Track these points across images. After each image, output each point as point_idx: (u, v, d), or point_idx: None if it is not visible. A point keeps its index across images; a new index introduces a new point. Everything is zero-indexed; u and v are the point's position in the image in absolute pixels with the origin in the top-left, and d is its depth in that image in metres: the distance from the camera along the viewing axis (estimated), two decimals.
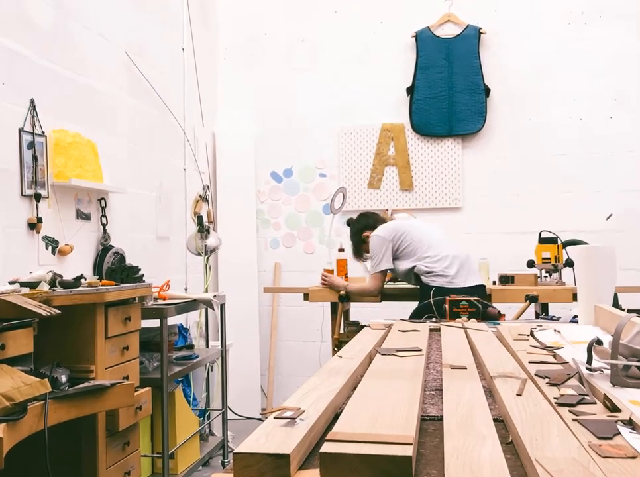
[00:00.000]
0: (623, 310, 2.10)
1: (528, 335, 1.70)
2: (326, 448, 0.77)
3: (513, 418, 0.91)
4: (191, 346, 3.64)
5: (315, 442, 0.87)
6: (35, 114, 2.68)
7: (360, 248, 3.46)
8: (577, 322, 2.24)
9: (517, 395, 1.05)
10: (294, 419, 0.90)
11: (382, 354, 1.50)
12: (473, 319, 2.28)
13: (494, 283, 3.36)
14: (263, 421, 0.94)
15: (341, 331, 3.42)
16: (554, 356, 1.39)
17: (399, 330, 2.03)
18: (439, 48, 4.43)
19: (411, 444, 0.77)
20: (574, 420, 0.91)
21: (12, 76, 2.59)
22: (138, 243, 3.46)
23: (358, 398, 1.07)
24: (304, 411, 0.94)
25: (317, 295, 3.46)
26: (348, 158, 4.59)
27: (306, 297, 3.48)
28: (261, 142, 4.70)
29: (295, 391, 1.13)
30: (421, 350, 1.54)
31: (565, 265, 3.25)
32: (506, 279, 3.30)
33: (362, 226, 3.45)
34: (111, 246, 3.14)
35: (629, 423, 0.89)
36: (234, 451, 0.77)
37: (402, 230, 3.27)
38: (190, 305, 3.16)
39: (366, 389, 1.13)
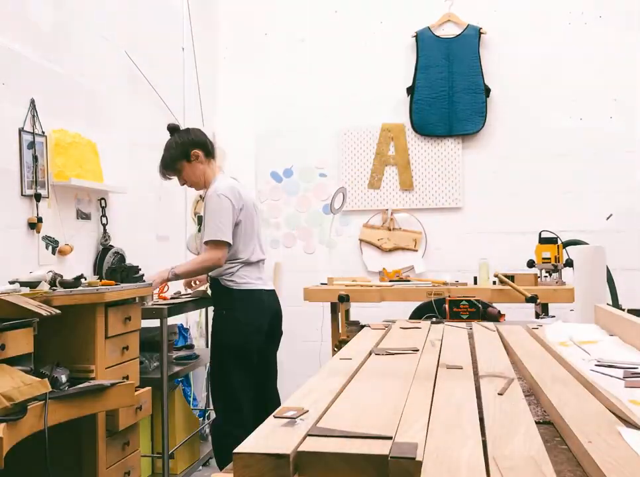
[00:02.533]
0: (623, 310, 2.10)
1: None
2: (305, 446, 0.78)
3: (486, 417, 0.92)
4: (191, 346, 3.64)
5: None
6: (35, 114, 2.68)
7: (174, 167, 2.91)
8: None
9: (499, 394, 1.06)
10: (294, 418, 0.90)
11: (376, 354, 1.50)
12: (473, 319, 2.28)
13: (494, 283, 3.36)
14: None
15: (339, 331, 3.41)
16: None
17: (400, 329, 2.02)
18: (439, 48, 4.43)
19: (390, 438, 0.78)
20: None
21: (12, 76, 2.58)
22: (138, 243, 3.46)
23: (345, 397, 1.07)
24: (307, 411, 0.94)
25: (316, 295, 3.46)
26: (348, 158, 4.59)
27: (306, 296, 3.48)
28: (261, 141, 4.70)
29: (295, 391, 1.13)
30: (417, 350, 1.54)
31: (565, 265, 3.25)
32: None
33: (188, 147, 2.88)
34: (111, 246, 3.14)
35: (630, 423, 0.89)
36: (234, 451, 0.77)
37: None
38: (190, 305, 3.16)
39: (355, 389, 1.13)
